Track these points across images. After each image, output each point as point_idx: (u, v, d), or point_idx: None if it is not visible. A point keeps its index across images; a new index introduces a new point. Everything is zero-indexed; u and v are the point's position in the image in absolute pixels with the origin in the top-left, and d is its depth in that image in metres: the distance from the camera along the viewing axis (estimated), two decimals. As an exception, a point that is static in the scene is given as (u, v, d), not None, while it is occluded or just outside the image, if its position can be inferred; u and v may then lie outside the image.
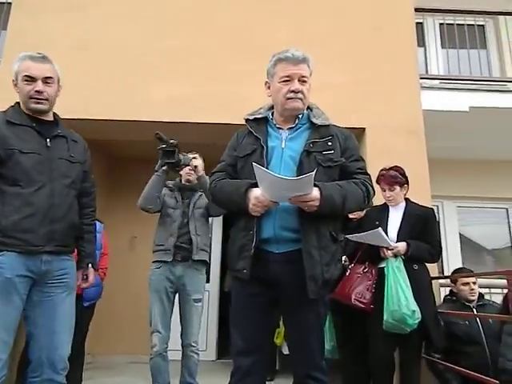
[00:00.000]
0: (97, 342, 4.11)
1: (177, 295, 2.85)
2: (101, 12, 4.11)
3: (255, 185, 1.61)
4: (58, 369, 1.77)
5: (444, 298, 3.34)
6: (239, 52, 3.99)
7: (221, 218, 5.08)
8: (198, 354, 2.80)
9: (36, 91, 1.81)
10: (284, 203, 1.61)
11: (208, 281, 4.73)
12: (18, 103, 1.89)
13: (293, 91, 1.69)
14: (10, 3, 4.23)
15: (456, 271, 3.40)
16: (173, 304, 2.83)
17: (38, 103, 1.83)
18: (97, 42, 3.97)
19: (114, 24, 4.06)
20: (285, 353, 3.70)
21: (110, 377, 3.79)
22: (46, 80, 1.84)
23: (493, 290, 3.69)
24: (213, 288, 5.01)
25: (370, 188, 1.73)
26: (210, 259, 3.06)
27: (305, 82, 1.71)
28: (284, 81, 1.70)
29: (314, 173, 1.51)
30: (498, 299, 3.21)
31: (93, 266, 2.04)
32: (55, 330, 1.79)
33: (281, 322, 3.49)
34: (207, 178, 2.83)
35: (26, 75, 1.80)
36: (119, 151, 5.05)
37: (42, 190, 1.77)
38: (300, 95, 1.70)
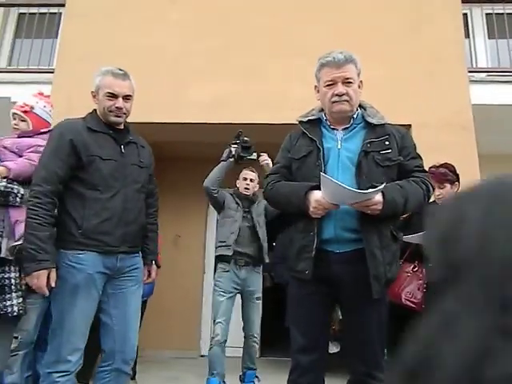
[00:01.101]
0: (145, 337, 4.27)
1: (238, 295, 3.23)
2: (140, 17, 4.25)
3: (315, 187, 1.62)
4: (127, 359, 1.89)
5: None
6: (278, 52, 4.01)
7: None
8: (258, 343, 3.26)
9: (116, 107, 1.93)
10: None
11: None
12: (95, 110, 2.01)
13: (337, 95, 1.69)
14: (61, 13, 4.45)
15: None
16: (233, 302, 3.19)
17: (117, 117, 1.95)
18: (137, 47, 4.10)
19: (152, 28, 4.19)
20: (330, 352, 3.68)
21: (162, 370, 3.92)
22: (126, 97, 1.96)
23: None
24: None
25: (430, 186, 1.72)
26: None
27: (350, 83, 1.70)
28: (328, 85, 1.71)
29: (382, 186, 1.52)
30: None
31: (156, 263, 2.15)
32: (128, 321, 1.91)
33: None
34: None
35: (108, 92, 1.92)
36: (162, 152, 5.20)
37: (117, 196, 1.88)
38: (345, 97, 1.69)
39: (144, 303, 3.21)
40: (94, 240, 1.82)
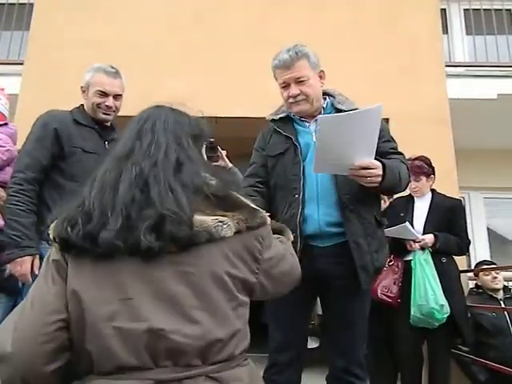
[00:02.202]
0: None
1: None
2: (114, 10, 4.14)
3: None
4: None
5: (469, 291, 3.26)
6: (254, 46, 3.95)
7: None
8: None
9: (106, 105, 1.92)
10: (326, 198, 1.59)
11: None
12: (83, 105, 1.98)
13: (291, 96, 1.66)
14: (32, 4, 4.30)
15: (478, 264, 3.33)
16: None
17: (106, 114, 1.94)
18: (111, 41, 3.99)
19: (126, 22, 4.09)
20: (309, 347, 3.66)
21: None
22: (116, 96, 1.95)
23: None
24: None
25: (408, 168, 1.67)
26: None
27: (302, 81, 1.65)
28: (283, 87, 1.69)
29: (382, 105, 1.46)
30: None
31: None
32: None
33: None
34: (237, 170, 3.13)
35: (99, 90, 1.90)
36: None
37: None
38: (299, 97, 1.66)
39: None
40: None
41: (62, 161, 1.82)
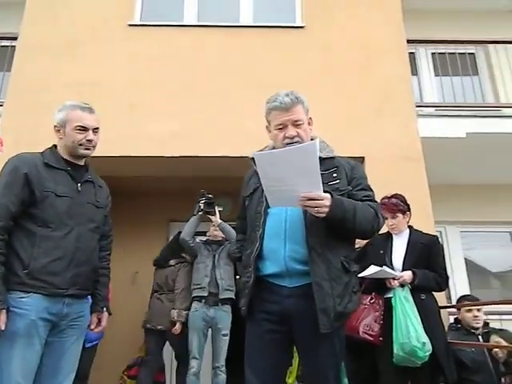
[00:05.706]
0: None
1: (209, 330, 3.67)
2: (94, 52, 4.24)
3: None
4: None
5: (449, 326, 3.28)
6: (238, 88, 4.09)
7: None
8: (224, 373, 3.58)
9: (87, 140, 1.92)
10: (294, 236, 1.61)
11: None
12: (55, 146, 1.96)
13: (287, 137, 1.71)
14: (14, 46, 4.36)
15: (461, 298, 3.35)
16: (206, 337, 3.64)
17: (87, 149, 1.93)
18: (94, 82, 4.06)
19: (111, 62, 4.18)
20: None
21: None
22: (95, 130, 1.95)
23: (504, 317, 3.62)
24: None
25: (379, 213, 1.70)
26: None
27: (299, 124, 1.72)
28: (279, 128, 1.74)
29: (317, 140, 1.54)
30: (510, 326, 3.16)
31: (107, 310, 2.04)
32: (58, 373, 1.77)
33: (293, 361, 3.39)
34: (225, 225, 3.80)
35: (79, 125, 1.90)
36: (119, 187, 5.07)
37: (70, 234, 1.80)
38: (296, 139, 1.71)
39: (93, 347, 3.02)
40: (41, 281, 1.70)
41: (34, 206, 1.75)
